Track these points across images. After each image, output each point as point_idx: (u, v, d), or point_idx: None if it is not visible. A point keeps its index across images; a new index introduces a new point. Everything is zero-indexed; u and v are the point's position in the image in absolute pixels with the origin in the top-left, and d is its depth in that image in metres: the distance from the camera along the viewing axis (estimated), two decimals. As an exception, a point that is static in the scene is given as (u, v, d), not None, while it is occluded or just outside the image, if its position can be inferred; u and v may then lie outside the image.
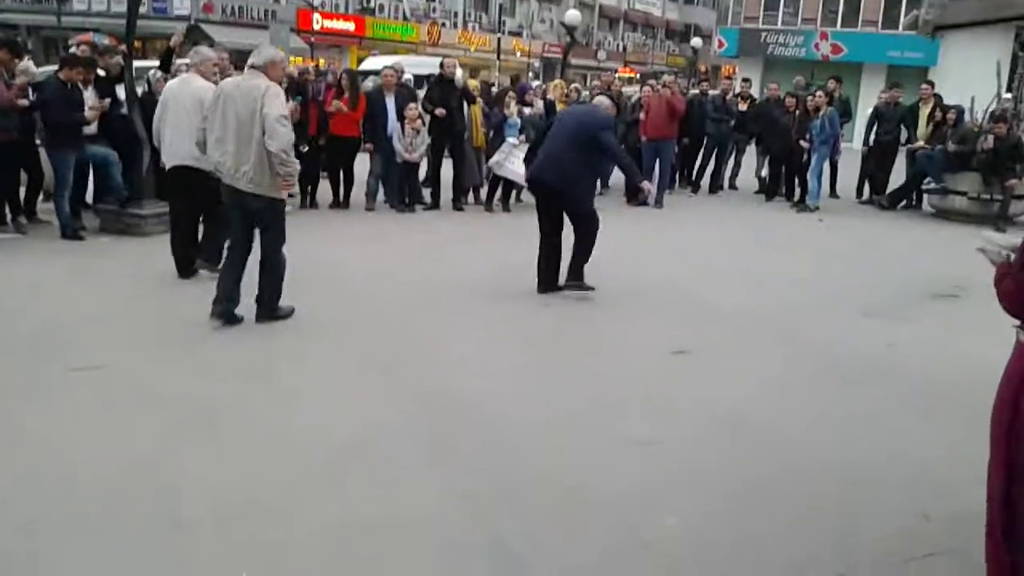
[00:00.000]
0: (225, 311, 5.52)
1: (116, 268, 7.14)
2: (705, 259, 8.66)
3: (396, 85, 10.67)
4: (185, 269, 6.81)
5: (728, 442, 4.17)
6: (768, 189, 13.07)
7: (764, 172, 13.45)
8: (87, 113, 8.06)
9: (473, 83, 12.06)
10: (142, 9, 31.25)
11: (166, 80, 9.00)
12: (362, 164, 10.53)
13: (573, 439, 4.07)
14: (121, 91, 8.52)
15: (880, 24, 29.03)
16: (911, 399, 4.91)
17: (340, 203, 10.52)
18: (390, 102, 10.31)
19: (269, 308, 5.65)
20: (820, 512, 3.54)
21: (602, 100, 7.05)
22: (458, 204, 10.88)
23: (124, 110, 8.46)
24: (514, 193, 11.12)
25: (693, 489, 3.66)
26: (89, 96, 8.22)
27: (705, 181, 13.77)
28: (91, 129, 8.31)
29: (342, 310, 6.13)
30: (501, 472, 3.69)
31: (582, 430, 4.18)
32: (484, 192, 11.12)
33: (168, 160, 6.70)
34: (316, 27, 33.36)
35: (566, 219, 6.68)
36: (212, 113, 5.37)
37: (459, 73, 11.03)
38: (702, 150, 13.43)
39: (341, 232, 8.99)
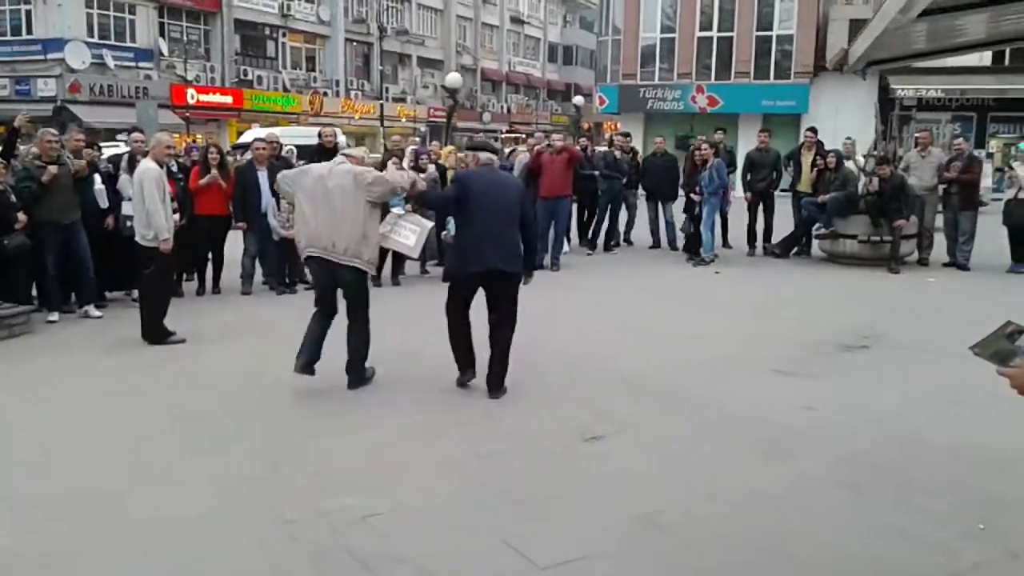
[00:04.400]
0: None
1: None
2: (605, 324, 8.24)
3: (271, 158, 10.01)
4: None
5: (653, 548, 3.64)
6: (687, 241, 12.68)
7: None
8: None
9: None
10: (3, 92, 29.93)
11: (8, 167, 8.21)
12: (233, 245, 9.81)
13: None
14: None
15: (752, 75, 30.05)
16: (837, 470, 4.54)
17: (211, 289, 9.75)
18: (263, 176, 9.64)
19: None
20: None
21: (490, 157, 6.12)
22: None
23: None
24: (401, 266, 10.56)
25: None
26: (-86, 191, 7.31)
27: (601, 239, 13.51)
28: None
29: (193, 421, 5.33)
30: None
31: (489, 557, 3.56)
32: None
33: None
34: (191, 101, 32.37)
35: None
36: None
37: (342, 139, 10.54)
38: (597, 208, 13.23)
39: (207, 323, 8.12)
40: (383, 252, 10.14)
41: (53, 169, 8.09)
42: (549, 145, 11.47)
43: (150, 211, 7.16)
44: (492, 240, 5.65)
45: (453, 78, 14.82)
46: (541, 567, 3.45)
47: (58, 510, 3.97)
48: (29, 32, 30.21)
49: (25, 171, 8.17)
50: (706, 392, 5.91)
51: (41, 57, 29.54)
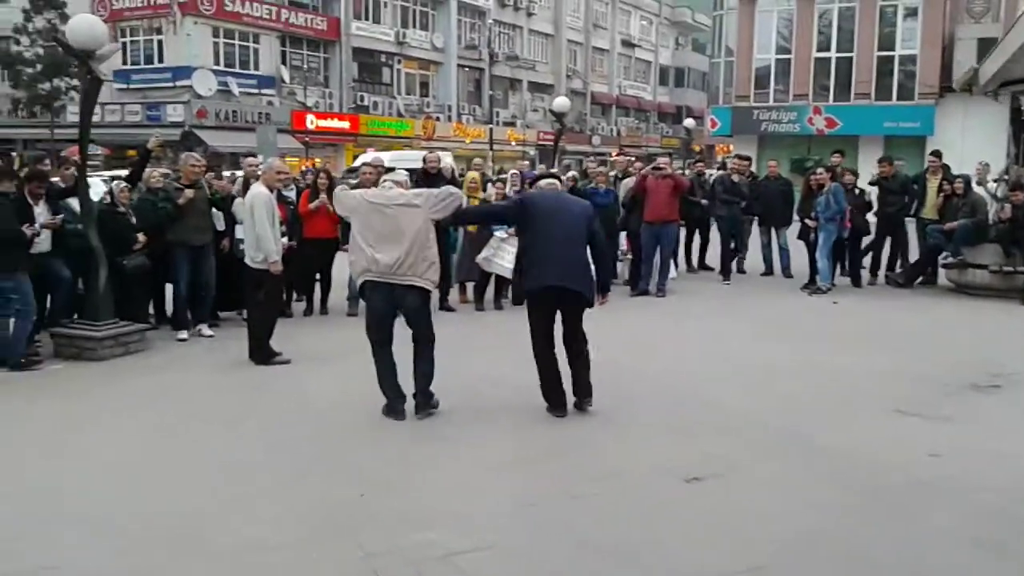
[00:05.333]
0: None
1: (57, 404, 6.38)
2: (713, 354, 7.89)
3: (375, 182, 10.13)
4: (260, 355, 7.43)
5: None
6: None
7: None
8: (39, 228, 7.49)
9: (472, 175, 11.59)
10: (136, 118, 31.61)
11: (132, 190, 8.54)
12: (341, 267, 9.91)
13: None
14: (75, 203, 7.97)
15: (873, 96, 28.88)
16: (966, 526, 4.12)
17: (319, 310, 9.90)
18: (370, 200, 9.75)
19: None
20: None
21: (550, 183, 6.29)
22: (445, 304, 10.20)
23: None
24: (504, 289, 10.46)
25: None
26: (41, 211, 7.65)
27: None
28: (44, 245, 7.71)
29: (287, 447, 5.29)
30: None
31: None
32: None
33: None
34: (311, 127, 33.50)
35: None
36: None
37: (447, 161, 10.57)
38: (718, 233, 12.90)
39: (312, 345, 8.18)
40: (485, 276, 10.20)
41: (190, 193, 8.31)
42: (656, 168, 11.21)
43: (260, 235, 7.28)
44: (552, 259, 5.66)
45: (561, 102, 14.72)
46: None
47: (147, 534, 3.99)
48: (160, 61, 31.99)
49: (164, 192, 8.42)
50: (820, 433, 5.53)
51: (171, 84, 31.19)
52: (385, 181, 5.77)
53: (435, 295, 9.92)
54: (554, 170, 8.06)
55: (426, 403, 5.80)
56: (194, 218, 8.40)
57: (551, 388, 5.87)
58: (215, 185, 8.68)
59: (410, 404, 5.84)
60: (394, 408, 5.81)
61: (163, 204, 8.31)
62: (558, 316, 5.91)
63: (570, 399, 5.90)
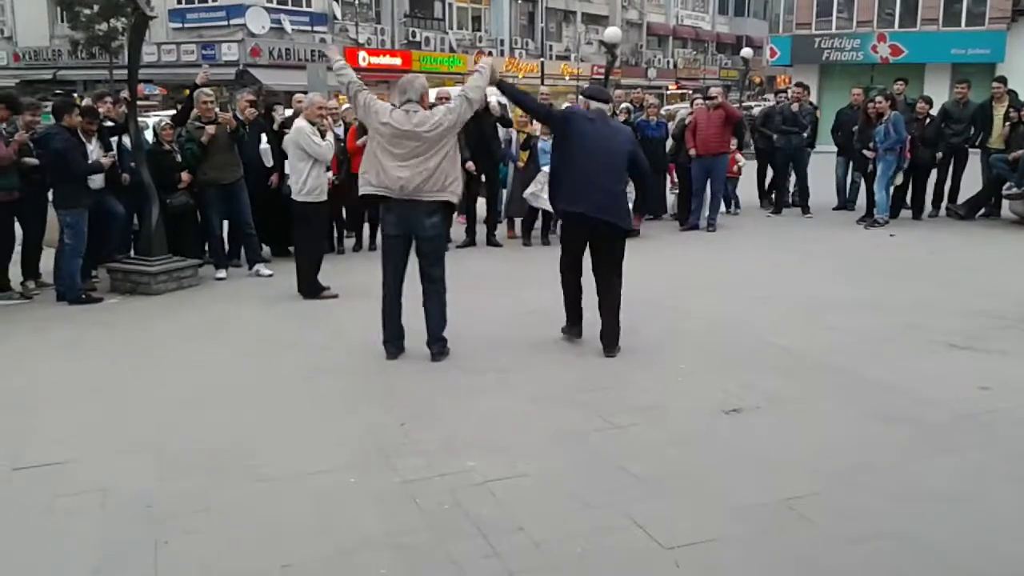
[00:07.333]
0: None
1: (113, 336, 6.60)
2: (763, 289, 7.75)
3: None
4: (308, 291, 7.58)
5: (788, 537, 3.33)
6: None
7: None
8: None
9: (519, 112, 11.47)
10: (191, 57, 31.70)
11: (173, 128, 8.58)
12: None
13: (601, 553, 3.24)
14: (126, 141, 8.10)
15: (941, 22, 27.66)
16: (1013, 462, 4.01)
17: (368, 246, 9.96)
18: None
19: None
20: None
21: (600, 107, 5.87)
22: (493, 239, 10.20)
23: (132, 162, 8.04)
24: (552, 224, 10.40)
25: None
26: (92, 148, 7.78)
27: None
28: (98, 182, 7.86)
29: (332, 377, 5.39)
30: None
31: (610, 534, 3.36)
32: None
33: None
34: (363, 64, 33.34)
35: None
36: None
37: (493, 100, 10.42)
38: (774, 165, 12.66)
39: (361, 279, 8.09)
40: (533, 211, 10.14)
41: (211, 129, 8.22)
42: (708, 99, 10.94)
43: (314, 153, 7.38)
44: (588, 185, 5.52)
45: (612, 33, 14.40)
46: (666, 547, 3.24)
47: (195, 460, 4.13)
48: (214, -1, 32.06)
49: (187, 133, 8.37)
50: (868, 367, 5.42)
51: (224, 23, 31.26)
52: (407, 103, 5.46)
53: (482, 231, 10.10)
54: (609, 93, 7.82)
55: (440, 351, 5.66)
56: (219, 155, 8.31)
57: (570, 305, 5.96)
58: (220, 117, 8.56)
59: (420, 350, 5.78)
60: (387, 349, 5.75)
61: (188, 145, 8.28)
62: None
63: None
